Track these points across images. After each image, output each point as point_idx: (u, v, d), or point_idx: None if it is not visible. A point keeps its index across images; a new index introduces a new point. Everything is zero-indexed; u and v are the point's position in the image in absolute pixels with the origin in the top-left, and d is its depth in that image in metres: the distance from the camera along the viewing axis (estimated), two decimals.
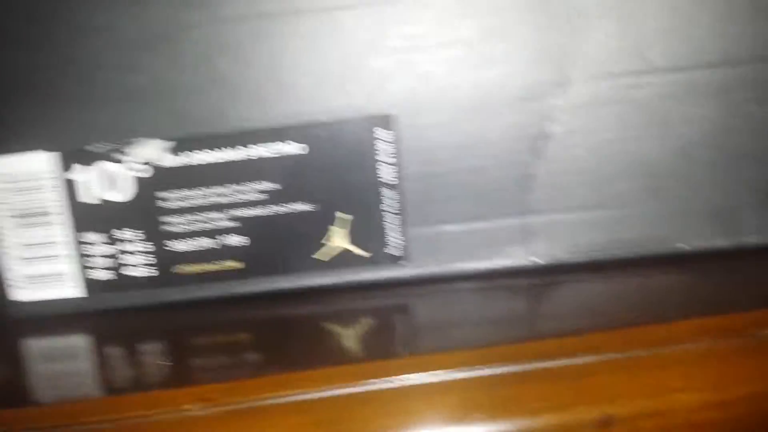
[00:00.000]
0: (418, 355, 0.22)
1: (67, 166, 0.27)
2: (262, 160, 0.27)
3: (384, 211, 0.27)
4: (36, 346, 0.27)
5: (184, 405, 0.21)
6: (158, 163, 0.27)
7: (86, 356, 0.26)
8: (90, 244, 0.28)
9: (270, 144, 0.27)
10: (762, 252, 0.27)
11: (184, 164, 0.27)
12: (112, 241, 0.28)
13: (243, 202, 0.27)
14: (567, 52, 0.26)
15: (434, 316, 0.26)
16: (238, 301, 0.28)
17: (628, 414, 0.21)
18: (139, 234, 0.28)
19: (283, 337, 0.25)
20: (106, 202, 0.27)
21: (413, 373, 0.21)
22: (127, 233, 0.28)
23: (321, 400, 0.21)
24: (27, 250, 0.28)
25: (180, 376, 0.23)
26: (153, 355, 0.25)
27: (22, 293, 0.28)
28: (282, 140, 0.27)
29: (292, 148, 0.27)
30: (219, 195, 0.27)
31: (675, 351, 0.21)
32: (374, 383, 0.21)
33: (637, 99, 0.26)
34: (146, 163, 0.27)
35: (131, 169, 0.27)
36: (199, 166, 0.27)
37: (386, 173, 0.27)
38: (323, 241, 0.28)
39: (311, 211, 0.27)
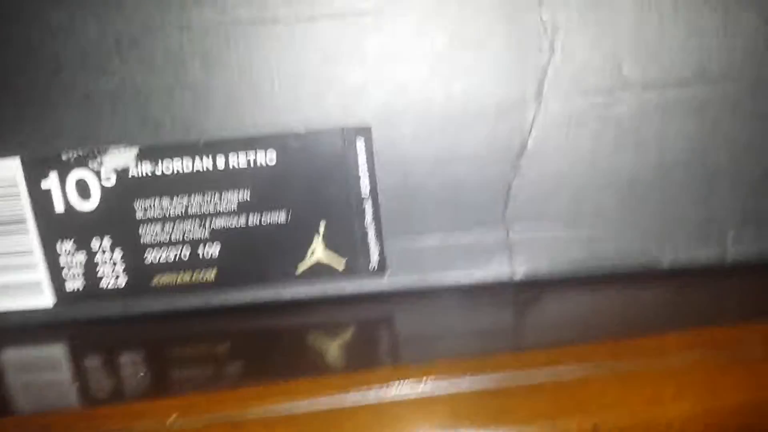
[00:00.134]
0: (404, 366, 0.22)
1: (37, 174, 0.27)
2: (235, 170, 0.27)
3: (362, 223, 0.27)
4: (9, 356, 0.27)
5: (164, 417, 0.21)
6: (130, 171, 0.27)
7: (62, 367, 0.26)
8: (61, 253, 0.27)
9: (244, 153, 0.26)
10: (742, 267, 0.27)
11: (156, 173, 0.27)
12: (85, 250, 0.27)
13: (217, 212, 0.27)
14: (541, 67, 0.26)
15: (416, 328, 0.26)
16: (215, 313, 0.28)
17: (615, 425, 0.21)
18: (112, 243, 0.27)
19: (262, 349, 0.25)
20: (77, 210, 0.27)
21: (400, 382, 0.21)
22: (99, 242, 0.27)
23: (305, 411, 0.21)
24: None
25: (158, 387, 0.23)
26: (130, 366, 0.25)
27: None
28: (256, 149, 0.26)
29: (266, 158, 0.26)
30: (192, 204, 0.27)
31: (663, 363, 0.22)
32: (361, 394, 0.21)
33: (611, 114, 0.26)
34: (118, 171, 0.27)
35: (103, 177, 0.27)
36: (172, 174, 0.27)
37: (363, 185, 0.27)
38: (300, 253, 0.27)
39: (287, 223, 0.27)
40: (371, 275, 0.27)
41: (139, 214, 0.27)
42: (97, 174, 0.27)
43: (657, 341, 0.22)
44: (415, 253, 0.27)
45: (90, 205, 0.27)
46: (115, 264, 0.27)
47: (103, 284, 0.28)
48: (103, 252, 0.27)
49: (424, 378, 0.21)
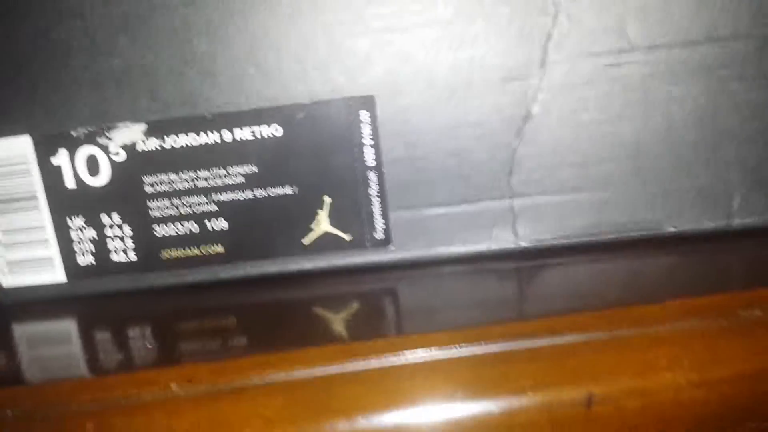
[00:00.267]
0: (405, 335, 0.22)
1: (47, 151, 0.27)
2: (242, 143, 0.27)
3: (367, 194, 0.27)
4: (22, 330, 0.27)
5: (170, 384, 0.21)
6: (138, 146, 0.27)
7: (72, 340, 0.26)
8: (72, 228, 0.28)
9: (250, 126, 0.27)
10: (749, 233, 0.27)
11: (164, 147, 0.27)
12: (95, 225, 0.28)
13: (224, 186, 0.27)
14: (546, 32, 0.25)
15: (420, 299, 0.26)
16: (223, 286, 0.28)
17: (612, 393, 0.21)
18: (122, 218, 0.28)
19: (269, 321, 0.25)
20: (87, 186, 0.27)
21: (400, 352, 0.21)
22: (109, 218, 0.28)
23: (307, 379, 0.21)
24: (9, 235, 0.28)
25: (166, 358, 0.23)
26: (138, 338, 0.25)
27: (5, 279, 0.28)
28: (262, 123, 0.26)
29: (272, 130, 0.27)
30: (200, 178, 0.27)
31: (660, 330, 0.21)
32: (361, 363, 0.21)
33: (618, 78, 0.26)
34: (126, 147, 0.27)
35: (112, 153, 0.27)
36: (179, 149, 0.27)
37: (368, 156, 0.27)
38: (306, 225, 0.27)
39: (293, 195, 0.27)
40: (378, 246, 0.27)
41: (148, 189, 0.27)
42: (106, 150, 0.27)
43: (656, 309, 0.22)
44: (422, 224, 0.27)
45: (100, 180, 0.27)
46: (124, 239, 0.28)
47: (114, 259, 0.28)
48: (113, 227, 0.28)
49: (423, 347, 0.21)
